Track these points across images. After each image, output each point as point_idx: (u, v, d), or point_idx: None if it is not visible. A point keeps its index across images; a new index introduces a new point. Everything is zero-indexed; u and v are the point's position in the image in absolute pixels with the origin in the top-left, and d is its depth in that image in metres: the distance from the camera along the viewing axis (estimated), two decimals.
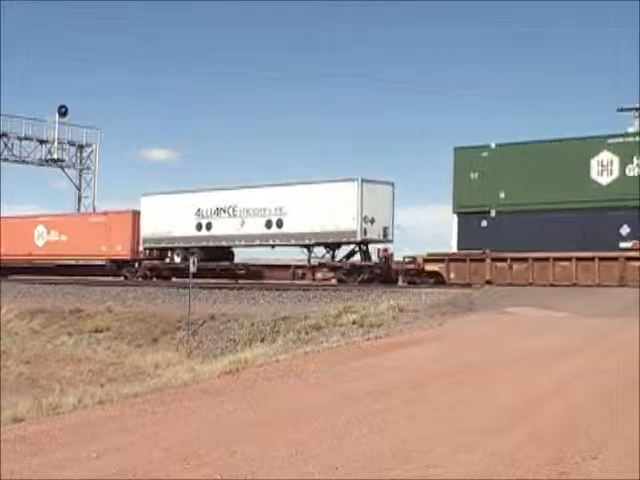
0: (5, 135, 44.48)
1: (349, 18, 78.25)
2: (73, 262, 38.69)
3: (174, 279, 33.11)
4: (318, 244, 29.82)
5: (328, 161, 77.67)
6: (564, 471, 5.70)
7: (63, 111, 45.04)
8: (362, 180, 28.73)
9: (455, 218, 26.42)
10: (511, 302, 19.27)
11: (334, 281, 29.07)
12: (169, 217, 33.47)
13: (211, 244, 32.49)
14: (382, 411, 7.82)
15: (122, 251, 35.51)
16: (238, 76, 79.80)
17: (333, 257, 30.04)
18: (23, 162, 45.66)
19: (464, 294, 21.25)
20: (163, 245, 34.01)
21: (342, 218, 28.67)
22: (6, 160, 44.73)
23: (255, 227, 31.09)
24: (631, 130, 27.28)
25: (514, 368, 10.52)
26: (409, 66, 76.77)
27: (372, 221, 28.78)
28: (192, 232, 32.82)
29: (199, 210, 32.76)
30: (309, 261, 30.34)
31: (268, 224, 30.73)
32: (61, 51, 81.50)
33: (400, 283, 27.52)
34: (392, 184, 30.41)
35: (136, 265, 35.27)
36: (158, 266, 34.43)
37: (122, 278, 35.17)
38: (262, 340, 19.70)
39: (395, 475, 5.68)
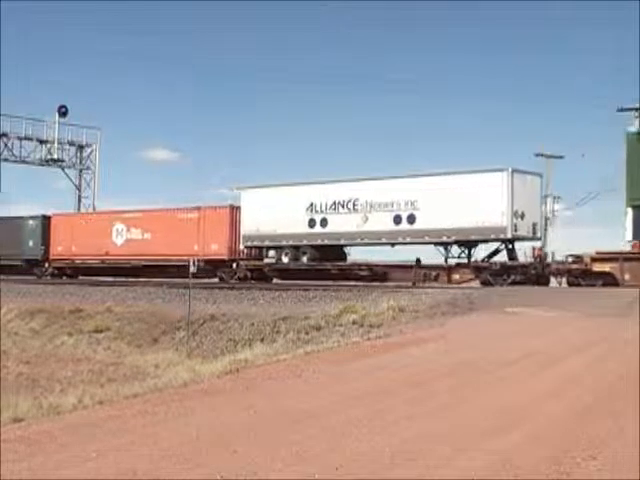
0: (5, 135, 44.50)
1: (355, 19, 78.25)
2: (157, 263, 34.50)
3: (276, 280, 30.74)
4: (458, 242, 26.93)
5: (328, 161, 77.65)
6: (564, 471, 5.70)
7: (63, 111, 45.05)
8: (512, 170, 25.84)
9: (630, 212, 23.97)
10: (511, 302, 19.27)
11: (474, 283, 26.44)
12: (275, 212, 30.17)
13: (326, 242, 29.37)
14: (382, 411, 7.83)
15: (218, 250, 32.05)
16: (238, 76, 79.80)
17: (469, 257, 27.24)
18: (23, 162, 45.68)
19: (464, 294, 21.24)
20: (267, 243, 30.85)
21: (488, 213, 25.65)
22: (6, 160, 44.75)
23: (381, 223, 27.82)
24: None
25: (514, 368, 10.52)
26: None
27: (522, 216, 25.89)
28: (303, 229, 29.66)
29: (312, 205, 29.50)
30: (446, 261, 27.46)
31: (397, 220, 27.63)
32: (61, 51, 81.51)
33: (556, 285, 25.23)
34: (541, 175, 27.98)
35: (234, 266, 31.93)
36: (260, 267, 31.30)
37: (217, 280, 32.23)
38: (262, 340, 19.67)
39: (395, 475, 5.68)
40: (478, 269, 26.73)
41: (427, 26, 78.49)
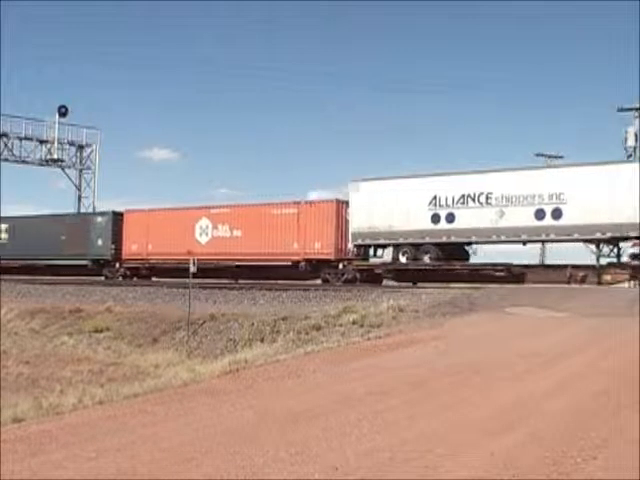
0: (5, 135, 44.49)
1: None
2: (251, 263, 31.71)
3: (386, 282, 28.29)
4: (616, 239, 24.57)
5: (328, 162, 77.66)
6: (564, 471, 5.70)
7: (63, 111, 45.07)
8: None
9: None
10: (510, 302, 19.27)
11: (627, 284, 24.50)
12: (391, 207, 27.58)
13: (453, 240, 26.81)
14: (382, 411, 7.82)
15: (322, 249, 29.28)
16: (239, 76, 79.84)
17: (619, 255, 25.15)
18: (23, 162, 45.68)
19: (464, 294, 21.24)
20: (382, 241, 28.17)
21: None
22: (6, 160, 44.76)
23: (520, 218, 25.35)
24: None
25: (514, 368, 10.52)
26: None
27: None
28: (425, 225, 26.94)
29: (435, 198, 26.84)
30: (598, 260, 25.07)
31: (539, 215, 25.11)
32: (61, 51, 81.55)
33: None
34: None
35: (340, 266, 29.20)
36: (372, 267, 28.80)
37: (319, 281, 29.53)
38: (262, 340, 19.69)
39: (395, 475, 5.68)
40: (636, 269, 24.27)
41: (427, 26, 78.53)
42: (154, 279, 34.39)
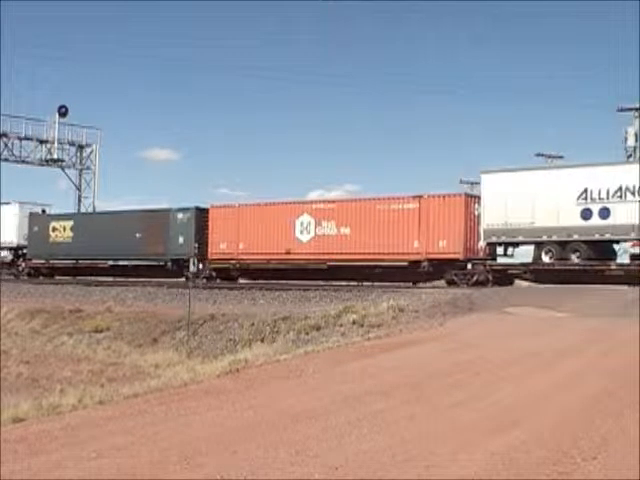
0: (5, 135, 44.48)
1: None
2: (364, 263, 28.27)
3: (526, 284, 25.68)
4: None
5: (329, 161, 77.68)
6: (564, 471, 5.70)
7: (63, 111, 45.05)
8: None
9: None
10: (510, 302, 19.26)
11: None
12: (532, 201, 24.72)
13: (607, 237, 24.01)
14: (382, 411, 7.82)
15: (448, 248, 26.17)
16: (239, 76, 79.81)
17: None
18: (23, 162, 45.67)
19: (464, 294, 21.23)
20: (520, 239, 25.36)
21: None
22: (6, 160, 44.75)
23: None
24: None
25: (514, 368, 10.52)
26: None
27: None
28: (574, 221, 24.14)
29: (586, 191, 23.99)
30: None
31: None
32: (61, 51, 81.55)
33: None
34: None
35: (469, 266, 26.15)
36: (508, 267, 25.75)
37: (444, 282, 26.76)
38: (262, 340, 19.68)
39: (395, 475, 5.68)
40: None
41: (426, 25, 78.54)
42: (241, 280, 31.59)
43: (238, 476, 5.67)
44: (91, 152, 47.28)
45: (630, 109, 37.08)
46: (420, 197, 27.23)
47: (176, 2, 79.22)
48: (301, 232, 29.68)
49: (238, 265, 31.37)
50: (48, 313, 26.42)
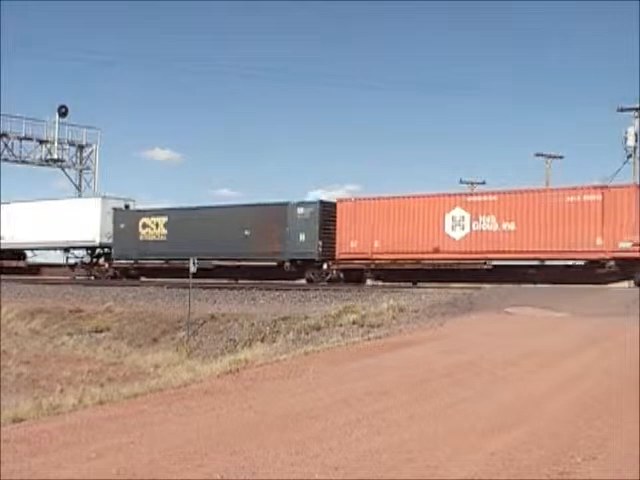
0: (5, 135, 44.49)
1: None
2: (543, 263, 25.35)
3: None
4: None
5: (328, 162, 77.67)
6: (564, 471, 5.70)
7: (63, 111, 45.07)
8: None
9: None
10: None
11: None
12: None
13: None
14: (382, 411, 7.82)
15: None
16: (239, 76, 79.84)
17: None
18: (23, 162, 45.68)
19: (464, 294, 21.24)
20: None
21: None
22: (6, 160, 44.75)
23: None
24: None
25: (514, 368, 10.52)
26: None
27: None
28: None
29: None
30: None
31: None
32: (61, 51, 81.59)
33: None
34: None
35: None
36: None
37: (625, 284, 24.46)
38: (262, 340, 19.68)
39: (395, 475, 5.68)
40: None
41: (426, 25, 78.55)
42: (370, 282, 28.18)
43: (238, 476, 5.66)
44: (91, 152, 47.31)
45: (630, 109, 37.07)
46: (604, 187, 24.51)
47: (176, 2, 79.24)
48: (452, 228, 26.27)
49: (373, 265, 27.93)
50: (48, 313, 26.42)
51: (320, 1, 77.85)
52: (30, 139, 45.26)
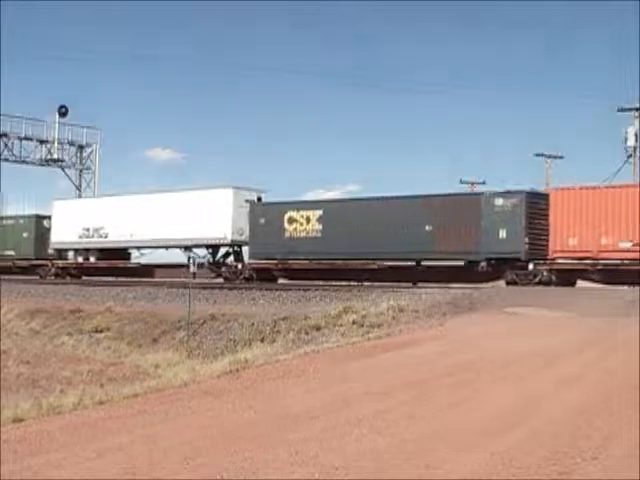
0: (5, 135, 44.48)
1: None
2: None
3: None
4: None
5: (328, 162, 77.67)
6: (564, 471, 5.70)
7: (63, 111, 45.05)
8: None
9: None
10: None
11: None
12: None
13: None
14: (382, 411, 7.82)
15: None
16: (240, 76, 79.84)
17: None
18: (23, 162, 45.66)
19: (464, 294, 21.22)
20: None
21: None
22: (6, 160, 44.74)
23: None
24: None
25: (514, 368, 10.52)
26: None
27: None
28: None
29: None
30: None
31: None
32: (61, 51, 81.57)
33: None
34: None
35: None
36: None
37: None
38: (262, 340, 19.67)
39: (395, 475, 5.68)
40: None
41: (425, 23, 78.58)
42: (583, 284, 24.27)
43: (238, 476, 5.66)
44: (91, 152, 47.29)
45: (630, 109, 37.08)
46: None
47: (176, 2, 79.24)
48: None
49: (600, 266, 23.61)
50: (48, 313, 26.41)
51: (323, 1, 77.84)
52: (30, 139, 45.24)
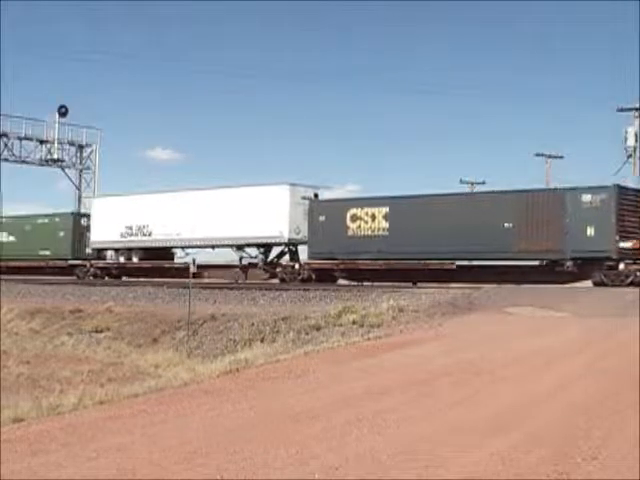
0: (5, 135, 44.46)
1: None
2: None
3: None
4: None
5: (328, 161, 77.68)
6: (564, 471, 5.70)
7: (63, 111, 45.03)
8: None
9: None
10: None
11: None
12: None
13: None
14: (382, 411, 7.82)
15: None
16: (241, 76, 79.83)
17: None
18: (23, 162, 45.63)
19: (464, 294, 21.21)
20: None
21: None
22: (6, 160, 44.71)
23: None
24: None
25: (514, 368, 10.52)
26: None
27: None
28: None
29: None
30: None
31: None
32: (61, 51, 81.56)
33: None
34: None
35: None
36: None
37: None
38: (262, 340, 19.67)
39: (395, 475, 5.68)
40: None
41: (425, 23, 78.59)
42: None
43: (238, 476, 5.66)
44: (91, 152, 47.27)
45: (630, 109, 37.04)
46: None
47: (176, 2, 79.26)
48: None
49: None
50: (48, 313, 26.41)
51: (322, 1, 77.86)
52: (30, 139, 45.21)
